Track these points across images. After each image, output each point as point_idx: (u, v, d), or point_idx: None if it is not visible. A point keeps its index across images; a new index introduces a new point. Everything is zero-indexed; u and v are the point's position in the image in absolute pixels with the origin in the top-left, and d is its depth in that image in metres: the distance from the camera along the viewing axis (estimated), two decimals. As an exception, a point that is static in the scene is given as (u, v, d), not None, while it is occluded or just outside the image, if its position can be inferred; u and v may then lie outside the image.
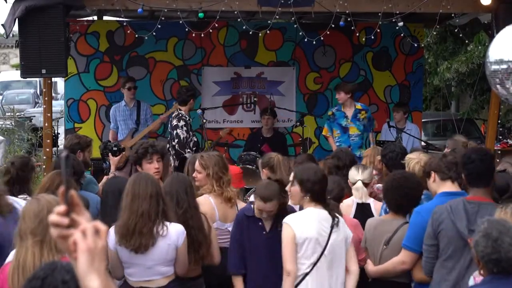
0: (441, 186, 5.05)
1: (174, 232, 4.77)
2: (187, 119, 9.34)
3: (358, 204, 5.79)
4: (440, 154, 5.12)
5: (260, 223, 5.19)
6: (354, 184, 5.93)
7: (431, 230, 4.70)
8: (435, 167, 5.07)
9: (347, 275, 4.91)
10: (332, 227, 4.79)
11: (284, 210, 5.14)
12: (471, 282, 4.11)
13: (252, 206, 5.27)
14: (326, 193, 4.96)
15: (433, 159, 5.15)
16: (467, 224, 4.52)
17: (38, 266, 3.65)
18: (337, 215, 4.92)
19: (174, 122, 9.26)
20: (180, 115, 9.33)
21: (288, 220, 4.81)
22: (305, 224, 4.78)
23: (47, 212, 3.84)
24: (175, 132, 9.21)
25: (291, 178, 5.00)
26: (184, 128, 9.19)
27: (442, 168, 5.02)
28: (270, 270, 5.10)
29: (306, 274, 4.76)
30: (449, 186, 5.01)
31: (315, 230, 4.76)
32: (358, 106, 9.71)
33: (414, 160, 5.79)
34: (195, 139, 9.42)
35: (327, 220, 4.82)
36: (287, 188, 5.05)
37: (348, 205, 5.79)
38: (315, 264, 4.76)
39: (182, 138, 9.12)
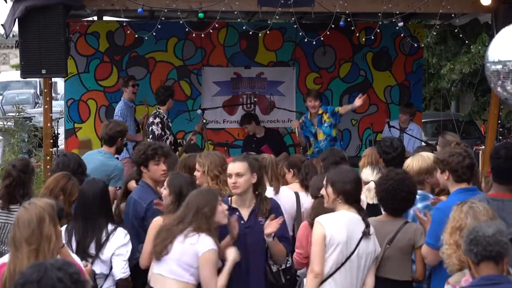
0: (455, 185, 5.04)
1: None
2: (164, 118, 9.45)
3: (368, 204, 5.75)
4: (458, 154, 5.05)
5: (237, 213, 5.17)
6: (366, 183, 5.89)
7: None
8: (453, 169, 5.02)
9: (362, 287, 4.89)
10: (363, 234, 4.77)
11: (261, 200, 5.19)
12: None
13: (228, 198, 5.28)
14: (359, 196, 4.94)
15: (452, 158, 5.04)
16: None
17: None
18: (370, 224, 4.89)
19: (151, 119, 9.45)
20: (158, 113, 9.49)
21: (320, 219, 4.76)
22: (337, 226, 4.73)
23: (38, 220, 3.80)
24: (150, 128, 9.35)
25: (324, 182, 4.97)
26: (160, 125, 9.34)
27: (459, 172, 5.00)
28: (252, 262, 5.08)
29: (330, 275, 4.73)
30: (464, 185, 5.02)
31: (346, 233, 4.72)
32: (320, 111, 9.59)
33: (414, 161, 5.83)
34: (172, 138, 9.51)
35: (359, 225, 4.79)
36: (322, 191, 5.00)
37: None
38: (340, 267, 4.73)
39: (156, 134, 9.24)
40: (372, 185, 5.78)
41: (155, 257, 4.74)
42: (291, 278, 5.73)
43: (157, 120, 9.34)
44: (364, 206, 5.69)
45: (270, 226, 5.02)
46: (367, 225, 4.81)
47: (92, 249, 5.17)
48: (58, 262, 2.70)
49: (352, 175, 4.92)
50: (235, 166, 5.17)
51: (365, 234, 4.77)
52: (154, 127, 9.28)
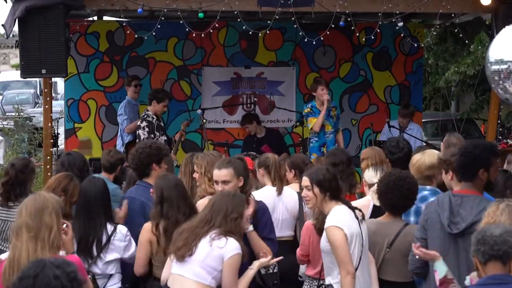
0: (459, 185, 5.05)
1: None
2: (154, 119, 9.33)
3: (375, 206, 5.71)
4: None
5: None
6: (372, 185, 5.85)
7: (422, 224, 4.78)
8: (456, 168, 5.05)
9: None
10: (357, 218, 4.85)
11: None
12: (467, 282, 4.12)
13: None
14: (341, 189, 5.03)
15: (454, 158, 5.03)
16: (449, 215, 4.57)
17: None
18: (357, 207, 4.96)
19: (138, 123, 9.39)
20: (145, 115, 9.39)
21: (333, 223, 4.76)
22: (349, 221, 4.80)
23: (40, 208, 3.85)
24: (137, 132, 9.29)
25: (304, 184, 4.96)
26: (146, 129, 9.22)
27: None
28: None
29: (356, 269, 4.77)
30: None
31: (356, 225, 4.81)
32: (328, 104, 9.48)
33: (425, 156, 5.78)
34: (164, 139, 9.32)
35: (351, 213, 4.87)
36: (303, 194, 5.00)
37: (364, 205, 5.64)
38: (361, 257, 4.81)
39: (142, 138, 9.11)
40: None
41: (177, 259, 4.64)
42: (292, 276, 5.74)
43: (144, 123, 9.23)
44: (371, 208, 5.69)
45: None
46: (354, 210, 4.87)
47: (93, 249, 5.17)
48: (58, 260, 2.74)
49: (332, 172, 5.01)
50: (222, 174, 5.12)
51: (358, 218, 4.85)
52: (140, 131, 9.21)
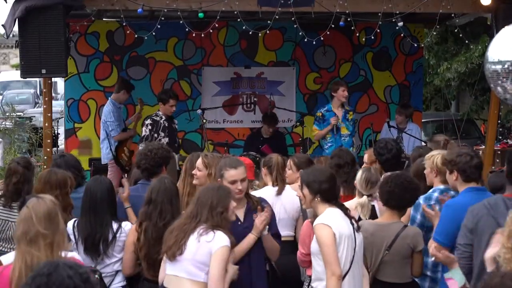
0: (464, 185, 5.03)
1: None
2: (162, 119, 9.31)
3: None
4: (465, 154, 5.07)
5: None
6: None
7: (468, 228, 4.51)
8: (461, 169, 5.01)
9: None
10: (352, 225, 4.75)
11: (251, 201, 5.11)
12: None
13: None
14: (337, 193, 4.93)
15: (460, 158, 5.04)
16: None
17: None
18: (353, 216, 4.88)
19: (144, 120, 9.43)
20: (154, 114, 9.44)
21: (322, 221, 4.69)
22: (339, 222, 4.70)
23: (53, 213, 3.82)
24: (142, 128, 9.36)
25: (298, 182, 4.94)
26: (149, 127, 9.26)
27: (468, 172, 4.98)
28: (253, 259, 4.98)
29: (346, 272, 4.68)
30: (473, 184, 5.00)
31: (347, 227, 4.72)
32: (346, 107, 9.59)
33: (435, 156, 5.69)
34: (166, 141, 9.12)
35: (346, 218, 4.78)
36: (297, 194, 4.98)
37: (351, 207, 5.55)
38: (352, 261, 4.70)
39: (143, 136, 9.21)
40: (364, 199, 5.65)
41: (169, 258, 4.63)
42: (292, 277, 5.73)
43: (148, 121, 9.27)
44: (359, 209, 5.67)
45: (260, 221, 4.95)
46: (351, 218, 4.81)
47: (100, 247, 5.21)
48: (70, 262, 2.80)
49: (327, 174, 4.89)
50: (241, 172, 5.06)
51: (353, 225, 4.76)
52: (143, 128, 9.28)
